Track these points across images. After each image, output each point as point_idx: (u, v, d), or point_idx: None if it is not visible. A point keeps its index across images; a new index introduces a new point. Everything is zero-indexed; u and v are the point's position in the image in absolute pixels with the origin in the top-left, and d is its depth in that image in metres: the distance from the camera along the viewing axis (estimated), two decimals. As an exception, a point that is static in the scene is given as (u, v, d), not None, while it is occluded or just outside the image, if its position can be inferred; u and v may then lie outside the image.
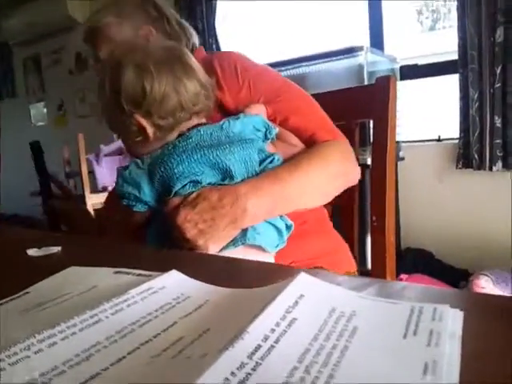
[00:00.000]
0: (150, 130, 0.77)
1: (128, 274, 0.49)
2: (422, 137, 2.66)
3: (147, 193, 0.73)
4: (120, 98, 0.76)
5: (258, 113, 0.84)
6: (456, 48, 2.28)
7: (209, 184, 0.72)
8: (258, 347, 0.29)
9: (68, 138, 3.32)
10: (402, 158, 2.36)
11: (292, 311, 0.34)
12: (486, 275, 1.96)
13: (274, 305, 0.34)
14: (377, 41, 2.76)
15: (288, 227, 0.78)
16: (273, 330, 0.31)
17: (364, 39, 2.78)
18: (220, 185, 0.73)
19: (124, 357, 0.32)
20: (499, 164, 2.17)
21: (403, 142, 2.45)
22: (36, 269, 0.60)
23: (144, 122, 0.76)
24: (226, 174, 0.73)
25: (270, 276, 0.44)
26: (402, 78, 2.53)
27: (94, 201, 2.07)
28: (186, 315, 0.38)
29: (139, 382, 0.29)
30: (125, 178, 0.75)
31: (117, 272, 0.50)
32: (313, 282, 0.40)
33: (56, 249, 0.66)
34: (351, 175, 0.90)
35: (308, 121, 0.89)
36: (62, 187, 1.29)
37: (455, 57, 2.31)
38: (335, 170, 0.86)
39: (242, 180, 0.74)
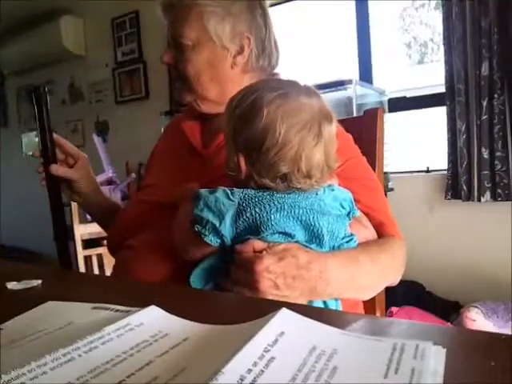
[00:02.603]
0: (243, 175, 0.70)
1: (106, 309, 0.47)
2: (411, 168, 2.69)
3: (227, 227, 0.67)
4: (238, 134, 0.70)
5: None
6: (443, 81, 2.32)
7: (296, 242, 0.69)
8: (233, 389, 0.28)
9: (58, 168, 3.30)
10: (392, 189, 2.37)
11: (271, 350, 0.33)
12: (477, 307, 1.94)
13: (252, 343, 0.33)
14: (366, 74, 2.82)
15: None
16: (249, 371, 0.30)
17: (353, 72, 2.83)
18: (305, 246, 0.69)
19: (94, 399, 0.30)
20: (487, 195, 2.19)
21: (392, 172, 2.47)
22: (14, 303, 0.58)
23: (243, 167, 0.70)
24: (316, 239, 0.70)
25: (255, 310, 0.43)
26: (390, 110, 2.56)
27: (82, 231, 2.03)
28: (162, 354, 0.37)
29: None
30: (208, 203, 0.68)
31: (95, 308, 0.49)
32: (294, 318, 0.39)
33: (36, 282, 0.64)
34: (398, 280, 0.87)
35: (378, 207, 0.86)
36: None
37: (443, 90, 2.35)
38: (397, 275, 0.85)
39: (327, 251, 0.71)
